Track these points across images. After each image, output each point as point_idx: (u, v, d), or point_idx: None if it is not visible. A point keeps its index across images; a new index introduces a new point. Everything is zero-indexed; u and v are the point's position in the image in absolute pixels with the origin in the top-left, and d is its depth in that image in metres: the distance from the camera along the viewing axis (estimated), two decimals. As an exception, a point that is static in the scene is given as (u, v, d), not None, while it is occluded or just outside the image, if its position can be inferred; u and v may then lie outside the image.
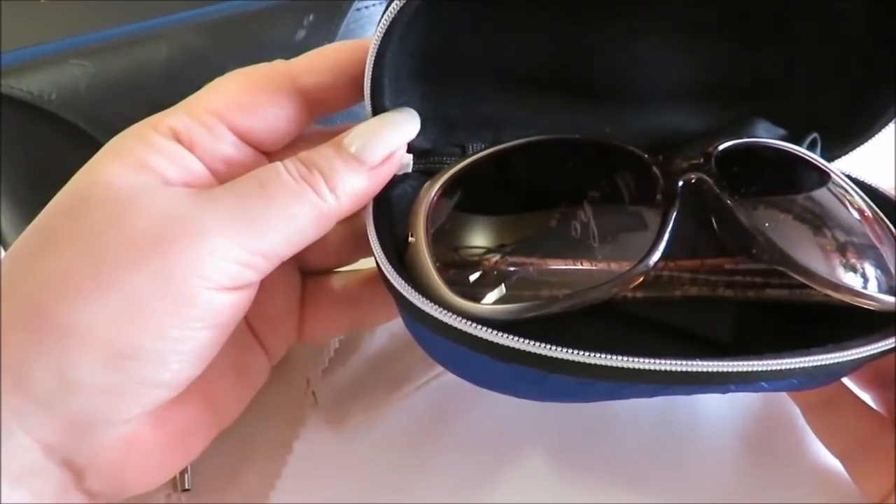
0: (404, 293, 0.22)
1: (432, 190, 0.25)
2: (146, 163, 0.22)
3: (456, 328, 0.21)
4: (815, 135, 0.30)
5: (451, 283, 0.23)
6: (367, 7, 0.33)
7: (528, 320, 0.23)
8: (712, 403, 0.31)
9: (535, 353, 0.21)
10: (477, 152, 0.26)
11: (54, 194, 0.22)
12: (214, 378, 0.24)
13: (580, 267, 0.26)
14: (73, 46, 0.30)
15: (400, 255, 0.24)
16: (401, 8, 0.22)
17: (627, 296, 0.28)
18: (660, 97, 0.30)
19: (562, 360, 0.21)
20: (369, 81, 0.23)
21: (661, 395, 0.24)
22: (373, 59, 0.23)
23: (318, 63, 0.24)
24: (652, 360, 0.21)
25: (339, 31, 0.33)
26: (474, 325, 0.21)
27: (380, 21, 0.22)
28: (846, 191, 0.28)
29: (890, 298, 0.25)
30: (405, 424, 0.31)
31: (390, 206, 0.25)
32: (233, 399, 0.26)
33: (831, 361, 0.22)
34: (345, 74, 0.24)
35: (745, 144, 0.28)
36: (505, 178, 0.27)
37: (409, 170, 0.25)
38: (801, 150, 0.29)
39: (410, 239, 0.24)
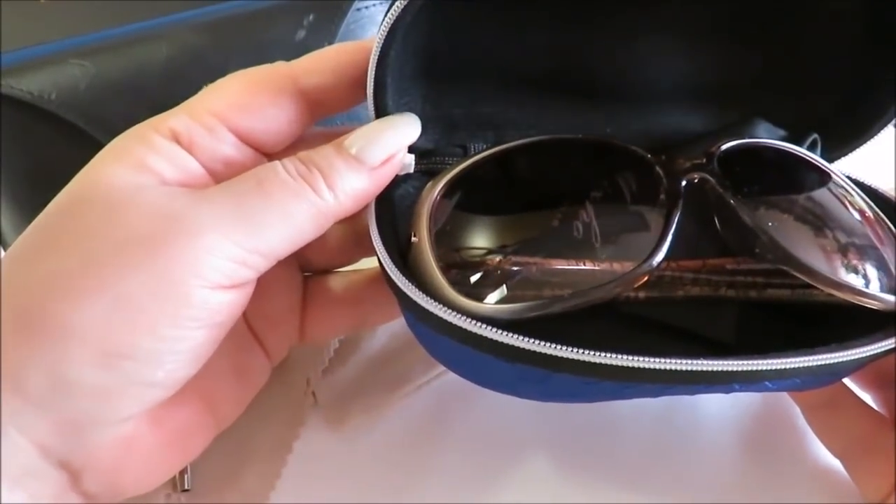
0: (408, 292, 0.22)
1: (435, 190, 0.25)
2: (145, 163, 0.22)
3: (460, 327, 0.21)
4: (815, 136, 0.30)
5: (454, 283, 0.23)
6: (367, 7, 0.33)
7: (530, 320, 0.23)
8: (713, 404, 0.31)
9: (540, 353, 0.21)
10: (479, 152, 0.26)
11: (54, 194, 0.22)
12: (213, 379, 0.24)
13: (583, 267, 0.26)
14: (73, 46, 0.30)
15: (403, 254, 0.24)
16: (404, 7, 0.22)
17: (630, 296, 0.28)
18: (660, 97, 0.30)
19: (567, 359, 0.21)
20: (372, 81, 0.23)
21: (665, 395, 0.24)
22: (376, 58, 0.23)
23: (320, 64, 0.24)
24: (657, 360, 0.21)
25: (340, 32, 0.33)
26: (479, 324, 0.21)
27: (383, 21, 0.22)
28: (847, 191, 0.28)
29: (891, 298, 0.25)
30: (405, 424, 0.31)
31: (392, 206, 0.25)
32: (232, 400, 0.26)
33: (835, 361, 0.22)
34: (346, 76, 0.24)
35: (747, 145, 0.28)
36: (507, 178, 0.27)
37: (412, 170, 0.25)
38: (802, 151, 0.29)
39: (413, 239, 0.24)
